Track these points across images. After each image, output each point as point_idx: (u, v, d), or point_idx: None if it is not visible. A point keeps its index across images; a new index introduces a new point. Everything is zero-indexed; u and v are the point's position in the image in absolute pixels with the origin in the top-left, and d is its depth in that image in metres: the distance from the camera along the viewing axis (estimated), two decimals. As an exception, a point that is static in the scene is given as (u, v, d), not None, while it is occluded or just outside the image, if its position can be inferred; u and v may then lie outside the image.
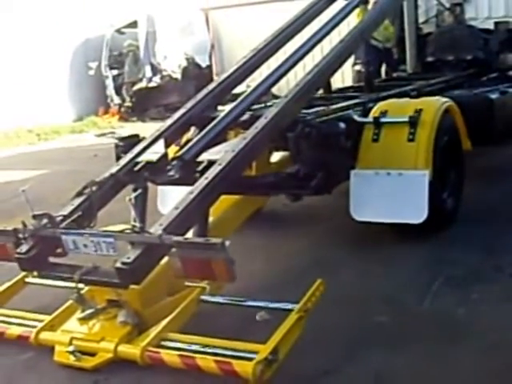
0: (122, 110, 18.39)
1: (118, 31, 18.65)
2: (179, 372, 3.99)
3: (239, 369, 3.76)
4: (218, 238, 3.92)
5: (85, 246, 4.29)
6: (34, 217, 4.53)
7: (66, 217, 4.66)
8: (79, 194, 4.90)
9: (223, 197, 5.49)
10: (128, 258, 4.03)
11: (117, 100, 18.53)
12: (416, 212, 5.73)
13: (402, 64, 9.52)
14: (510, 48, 9.11)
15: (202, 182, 4.59)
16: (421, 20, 9.63)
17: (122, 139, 5.75)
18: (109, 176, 5.08)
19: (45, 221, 4.51)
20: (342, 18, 7.49)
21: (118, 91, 18.58)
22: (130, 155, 5.28)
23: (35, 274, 4.95)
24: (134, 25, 18.29)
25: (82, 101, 18.95)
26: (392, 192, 5.88)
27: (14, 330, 4.65)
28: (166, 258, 4.15)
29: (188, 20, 18.70)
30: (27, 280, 5.18)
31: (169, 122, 5.76)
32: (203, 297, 4.58)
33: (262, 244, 6.35)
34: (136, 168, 5.16)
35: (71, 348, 4.24)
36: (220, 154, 4.94)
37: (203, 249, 3.90)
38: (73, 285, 4.36)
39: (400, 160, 5.98)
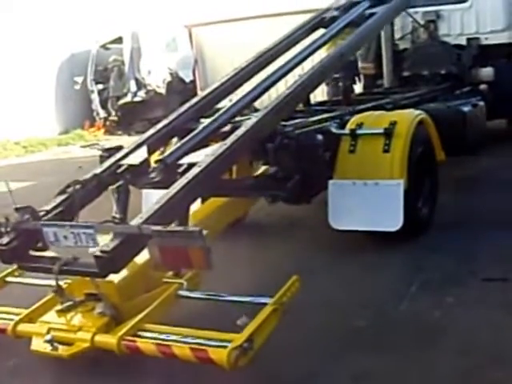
0: (108, 123, 18.48)
1: (104, 47, 18.72)
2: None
3: (214, 356, 3.79)
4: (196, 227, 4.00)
5: (65, 237, 4.32)
6: (17, 209, 4.62)
7: (48, 212, 4.78)
8: (62, 192, 5.01)
9: (206, 203, 5.68)
10: (107, 246, 4.10)
11: (102, 114, 18.60)
12: (392, 220, 5.90)
13: (379, 79, 9.69)
14: (481, 63, 9.33)
15: (182, 181, 4.71)
16: (397, 36, 9.84)
17: (106, 150, 5.77)
18: (92, 176, 5.18)
19: (27, 214, 4.60)
20: (323, 44, 7.69)
21: (103, 105, 18.63)
22: (113, 158, 5.39)
23: (16, 274, 5.10)
24: (118, 41, 18.37)
25: (68, 114, 18.99)
26: (369, 201, 6.04)
27: None
28: (144, 256, 4.24)
29: (172, 36, 18.83)
30: (7, 279, 5.20)
31: (152, 131, 5.89)
32: (180, 292, 4.61)
33: (243, 252, 6.42)
34: (119, 170, 5.25)
35: (48, 337, 4.24)
36: (201, 158, 5.07)
37: (181, 237, 3.96)
38: (53, 283, 4.43)
39: (376, 170, 6.14)
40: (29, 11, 17.61)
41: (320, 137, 6.18)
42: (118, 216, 4.64)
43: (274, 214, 7.01)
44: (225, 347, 3.80)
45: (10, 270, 5.22)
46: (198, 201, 5.82)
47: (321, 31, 8.10)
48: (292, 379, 4.13)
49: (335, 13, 8.44)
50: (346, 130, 6.40)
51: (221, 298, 4.59)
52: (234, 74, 6.96)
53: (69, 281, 4.62)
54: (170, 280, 4.70)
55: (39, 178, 12.66)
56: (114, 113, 18.40)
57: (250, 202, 6.75)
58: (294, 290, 4.32)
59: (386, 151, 6.18)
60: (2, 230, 4.61)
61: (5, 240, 4.55)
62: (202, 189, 4.99)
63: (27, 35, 17.57)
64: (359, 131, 6.33)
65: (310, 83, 6.59)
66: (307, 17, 15.84)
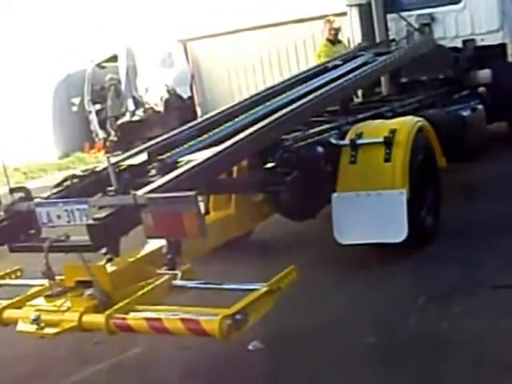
0: (108, 144, 18.43)
1: (99, 66, 18.65)
2: None
3: (207, 326, 3.74)
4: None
5: (58, 217, 4.31)
6: (11, 190, 4.66)
7: (43, 199, 4.77)
8: (58, 185, 5.02)
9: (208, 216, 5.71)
10: (100, 215, 4.10)
11: (101, 135, 18.51)
12: (396, 231, 5.87)
13: (377, 87, 9.66)
14: (478, 65, 9.31)
15: (179, 170, 4.78)
16: (391, 42, 9.78)
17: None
18: (90, 173, 5.22)
19: (21, 195, 4.63)
20: (323, 85, 7.53)
21: (102, 126, 18.57)
22: (113, 160, 5.31)
23: (13, 276, 5.06)
24: (114, 59, 18.31)
25: (66, 137, 18.93)
26: (372, 212, 6.02)
27: None
28: (140, 250, 4.26)
29: (167, 52, 18.78)
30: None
31: (154, 141, 5.94)
32: (175, 282, 4.52)
33: (248, 269, 6.26)
34: (118, 169, 5.20)
35: (34, 315, 4.13)
36: (199, 156, 5.13)
37: (176, 202, 4.01)
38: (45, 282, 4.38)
39: (378, 180, 6.12)
40: (21, 33, 17.58)
41: (320, 149, 6.20)
42: (114, 189, 4.56)
43: (278, 231, 6.97)
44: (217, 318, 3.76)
45: (3, 273, 5.16)
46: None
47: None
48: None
49: (338, 62, 8.58)
50: (346, 141, 6.39)
51: (216, 287, 4.55)
52: (236, 103, 7.06)
53: (62, 277, 4.50)
54: (164, 272, 4.62)
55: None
56: (113, 133, 18.35)
57: (253, 219, 6.70)
58: (292, 278, 4.33)
59: (387, 160, 6.17)
60: None
61: None
62: (198, 181, 4.90)
63: (21, 57, 17.54)
64: (359, 141, 6.31)
65: (312, 106, 6.61)
66: (301, 26, 15.99)
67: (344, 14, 10.92)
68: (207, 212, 6.21)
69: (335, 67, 8.29)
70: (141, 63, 18.09)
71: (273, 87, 7.74)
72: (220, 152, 5.13)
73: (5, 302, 4.56)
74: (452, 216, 6.94)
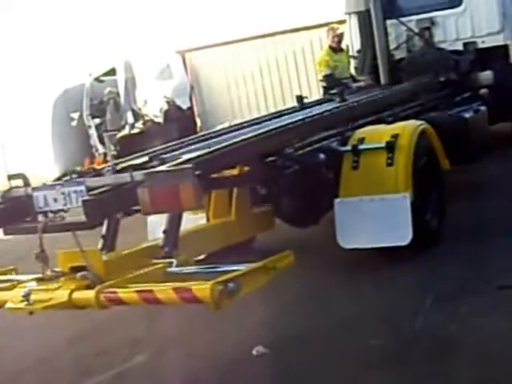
0: (108, 158, 18.31)
1: (97, 79, 18.59)
2: None
3: (198, 293, 3.74)
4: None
5: (55, 200, 4.32)
6: (9, 177, 4.69)
7: None
8: (58, 179, 4.97)
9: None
10: (96, 191, 4.10)
11: (101, 149, 18.42)
12: (401, 234, 5.86)
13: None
14: (479, 67, 9.27)
15: (179, 160, 4.78)
16: (392, 46, 9.72)
17: None
18: (91, 169, 5.26)
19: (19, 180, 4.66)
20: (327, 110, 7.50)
21: (101, 140, 18.52)
22: (115, 160, 5.33)
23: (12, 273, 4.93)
24: (112, 72, 18.30)
25: (66, 153, 18.80)
26: (376, 217, 6.00)
27: None
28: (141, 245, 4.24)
29: (166, 63, 18.77)
30: None
31: (155, 148, 5.99)
32: (170, 269, 4.48)
33: None
34: (118, 167, 5.17)
35: (23, 292, 4.09)
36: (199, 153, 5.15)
37: (173, 175, 4.06)
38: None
39: (381, 185, 6.10)
40: (18, 50, 17.60)
41: (322, 156, 6.18)
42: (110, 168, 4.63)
43: (282, 238, 6.92)
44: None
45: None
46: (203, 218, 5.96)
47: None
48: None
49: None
50: (348, 147, 6.37)
51: (212, 270, 4.41)
52: (236, 123, 7.31)
53: (57, 269, 4.43)
54: (159, 261, 4.58)
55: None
56: (113, 147, 18.23)
57: (254, 227, 6.65)
58: (288, 261, 4.34)
59: (389, 165, 6.16)
60: None
61: None
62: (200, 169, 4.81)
63: (19, 71, 17.57)
64: (361, 147, 6.30)
65: (317, 121, 6.71)
66: (299, 35, 15.98)
67: (342, 22, 10.89)
68: (207, 219, 6.18)
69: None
70: (139, 75, 18.07)
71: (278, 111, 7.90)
72: (216, 150, 5.16)
73: None
74: (457, 217, 6.91)
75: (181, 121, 16.67)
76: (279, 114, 7.59)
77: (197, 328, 5.06)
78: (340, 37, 11.09)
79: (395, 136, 6.23)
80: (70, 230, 4.23)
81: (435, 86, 8.90)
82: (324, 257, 6.69)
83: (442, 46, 9.44)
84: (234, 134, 6.40)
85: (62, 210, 4.38)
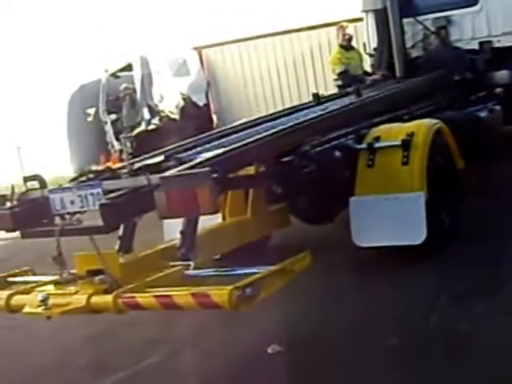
0: (124, 156, 18.31)
1: (113, 75, 18.62)
2: None
3: (216, 299, 3.75)
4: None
5: (71, 202, 4.32)
6: (25, 179, 4.68)
7: None
8: (74, 179, 5.04)
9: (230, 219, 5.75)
10: (113, 195, 4.10)
11: (117, 146, 18.44)
12: (415, 233, 5.87)
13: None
14: (495, 66, 9.24)
15: (196, 161, 4.80)
16: (408, 45, 9.73)
17: None
18: (107, 169, 5.27)
19: (34, 183, 4.65)
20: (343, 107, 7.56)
21: (117, 136, 18.55)
22: (130, 160, 5.35)
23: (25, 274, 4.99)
24: (128, 68, 18.32)
25: (82, 150, 18.79)
26: (391, 216, 6.02)
27: None
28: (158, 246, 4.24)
29: (182, 59, 18.79)
30: (10, 279, 5.04)
31: (169, 147, 6.02)
32: (187, 272, 4.52)
33: None
34: (134, 167, 5.18)
35: (41, 296, 4.09)
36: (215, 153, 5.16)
37: (190, 179, 4.06)
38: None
39: (396, 183, 6.13)
40: (35, 46, 17.67)
41: (338, 154, 6.20)
42: (127, 171, 4.65)
43: (297, 235, 6.94)
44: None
45: (13, 272, 5.12)
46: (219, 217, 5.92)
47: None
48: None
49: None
50: (364, 145, 6.38)
51: (229, 273, 4.47)
52: (250, 120, 7.21)
53: (73, 271, 4.47)
54: (177, 263, 4.63)
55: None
56: (129, 144, 18.26)
57: (270, 225, 6.68)
58: (306, 263, 4.37)
59: (404, 163, 6.17)
60: (8, 202, 4.63)
61: (7, 205, 4.58)
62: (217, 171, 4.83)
63: (34, 68, 17.65)
64: (376, 145, 6.31)
65: (333, 118, 6.70)
66: (317, 32, 15.97)
67: (358, 20, 10.91)
68: (223, 218, 6.20)
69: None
70: (156, 72, 18.11)
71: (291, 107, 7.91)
72: (233, 149, 5.18)
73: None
74: (472, 216, 6.91)
75: (197, 117, 16.68)
76: (295, 110, 7.61)
77: (212, 327, 5.07)
78: (350, 35, 11.12)
79: (411, 134, 6.24)
80: (87, 235, 4.26)
81: (450, 80, 8.89)
82: (338, 255, 6.69)
83: (458, 44, 9.43)
84: (249, 131, 6.42)
85: (79, 212, 4.39)
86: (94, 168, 5.20)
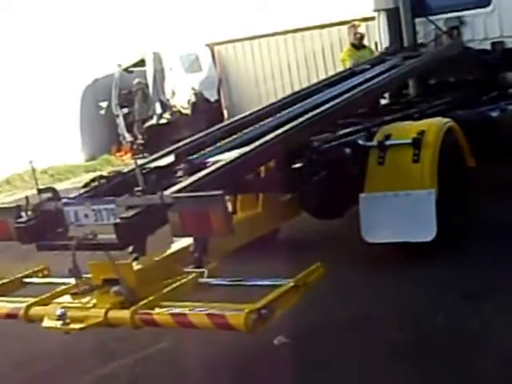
0: (135, 147, 18.57)
1: (126, 70, 18.78)
2: None
3: (232, 321, 3.77)
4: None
5: (86, 216, 4.35)
6: (39, 191, 4.68)
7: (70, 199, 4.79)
8: (86, 185, 5.07)
9: (236, 216, 5.76)
10: (127, 214, 4.13)
11: (129, 138, 18.62)
12: (425, 230, 5.88)
13: (405, 89, 9.63)
14: (507, 67, 9.24)
15: (207, 169, 4.82)
16: (420, 44, 9.74)
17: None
18: (117, 174, 5.28)
19: (48, 195, 4.66)
20: (351, 88, 7.57)
21: (129, 129, 18.72)
22: (140, 162, 5.42)
23: (40, 275, 5.08)
24: (141, 63, 18.44)
25: (94, 140, 19.07)
26: (401, 212, 6.04)
27: (3, 308, 4.61)
28: (167, 248, 4.27)
29: (195, 55, 18.90)
30: (25, 280, 5.17)
31: (181, 143, 5.99)
32: (201, 280, 4.56)
33: (277, 267, 6.12)
34: (144, 171, 5.24)
35: (59, 312, 4.14)
36: (226, 157, 5.18)
37: (203, 201, 4.05)
38: (72, 281, 4.41)
39: (406, 181, 6.14)
40: (51, 40, 17.75)
41: (348, 150, 6.24)
42: (140, 189, 4.58)
43: (306, 230, 6.97)
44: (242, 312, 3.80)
45: (29, 272, 5.21)
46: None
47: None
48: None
49: (366, 66, 8.61)
50: (374, 142, 6.40)
51: (243, 283, 4.57)
52: (262, 107, 7.11)
53: (88, 275, 4.53)
54: (191, 270, 4.67)
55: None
56: (140, 136, 18.49)
57: (280, 217, 6.71)
58: (318, 275, 4.37)
59: (415, 161, 6.18)
60: (23, 212, 4.63)
61: (23, 219, 4.58)
62: (226, 181, 4.93)
63: (48, 63, 17.72)
64: (387, 142, 6.33)
65: (340, 109, 6.66)
66: (328, 31, 16.01)
67: (370, 18, 10.93)
68: (234, 212, 6.24)
69: (363, 71, 8.30)
70: (168, 67, 18.21)
71: (300, 91, 7.80)
72: (248, 152, 5.17)
73: (31, 300, 4.59)
74: (483, 215, 6.93)
75: (208, 113, 16.78)
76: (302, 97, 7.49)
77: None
78: (361, 34, 11.14)
79: (421, 133, 6.26)
80: (102, 250, 4.30)
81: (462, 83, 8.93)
82: (347, 250, 6.71)
83: (470, 45, 9.44)
84: (260, 126, 6.41)
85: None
86: (106, 174, 5.19)
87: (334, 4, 16.40)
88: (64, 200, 4.63)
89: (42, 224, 4.59)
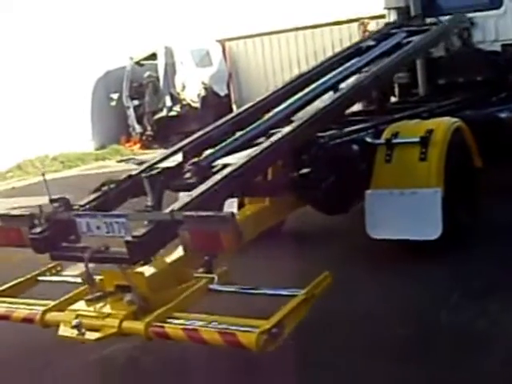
0: (144, 138, 18.73)
1: (138, 63, 18.94)
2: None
3: (243, 339, 3.83)
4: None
5: (98, 227, 4.41)
6: (52, 201, 4.73)
7: (81, 206, 4.88)
8: (96, 190, 5.11)
9: (242, 209, 5.83)
10: (138, 232, 4.16)
11: (138, 129, 18.81)
12: (430, 228, 5.88)
13: (414, 88, 9.64)
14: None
15: (215, 177, 4.81)
16: (429, 44, 9.75)
17: (142, 163, 5.84)
18: (127, 177, 5.30)
19: (61, 205, 4.71)
20: (357, 69, 7.68)
21: (139, 120, 18.88)
22: (148, 163, 5.48)
23: (53, 271, 5.19)
24: (153, 57, 18.58)
25: (104, 130, 19.23)
26: (406, 210, 6.03)
27: (20, 313, 4.73)
28: (176, 252, 4.33)
29: (206, 50, 19.01)
30: (39, 278, 5.31)
31: (188, 139, 5.98)
32: (211, 286, 4.67)
33: (281, 261, 6.40)
34: (153, 172, 5.30)
35: (75, 322, 4.24)
36: (234, 160, 5.18)
37: (212, 221, 4.07)
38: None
39: (413, 179, 6.15)
40: (63, 33, 17.87)
41: (355, 147, 6.26)
42: (150, 204, 4.70)
43: (311, 224, 6.99)
44: (254, 332, 3.85)
45: (44, 269, 5.31)
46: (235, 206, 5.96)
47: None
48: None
49: (371, 42, 8.50)
50: (382, 140, 6.41)
51: (251, 292, 4.65)
52: (269, 94, 7.04)
53: (100, 277, 4.63)
54: (201, 275, 4.75)
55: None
56: (149, 128, 18.64)
57: (287, 209, 6.72)
58: (326, 284, 4.40)
59: (422, 160, 6.19)
60: (36, 220, 4.69)
61: (38, 229, 4.63)
62: (235, 187, 5.04)
63: (61, 54, 17.85)
64: (395, 140, 6.33)
65: (346, 100, 6.63)
66: (338, 28, 16.02)
67: (380, 16, 10.95)
68: (242, 205, 6.27)
69: (368, 48, 8.25)
70: (179, 61, 18.32)
71: (307, 72, 7.71)
72: (255, 156, 5.16)
73: (49, 303, 4.72)
74: (490, 214, 6.94)
75: (217, 107, 16.87)
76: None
77: (227, 303, 5.13)
78: (370, 32, 11.16)
79: (430, 131, 6.26)
80: (115, 263, 4.42)
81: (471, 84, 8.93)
82: (351, 246, 6.75)
83: (481, 46, 9.44)
84: (267, 120, 6.45)
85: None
86: (116, 179, 5.22)
87: (345, 2, 16.40)
88: (76, 212, 4.68)
89: (55, 234, 4.65)
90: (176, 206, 4.40)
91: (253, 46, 18.48)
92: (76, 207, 4.83)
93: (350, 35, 15.08)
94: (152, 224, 4.23)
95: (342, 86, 7.24)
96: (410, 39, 8.34)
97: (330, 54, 16.11)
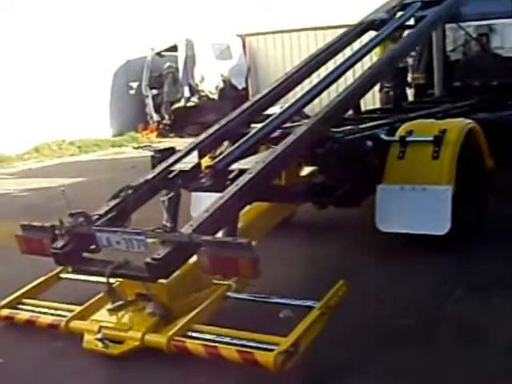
0: (161, 126, 18.89)
1: (158, 54, 19.10)
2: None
3: (261, 359, 3.94)
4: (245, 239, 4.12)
5: (117, 242, 4.50)
6: (71, 215, 4.78)
7: (101, 216, 4.91)
8: (115, 197, 5.15)
9: (254, 204, 5.77)
10: (158, 254, 4.24)
11: (156, 118, 18.97)
12: (439, 224, 5.93)
13: (430, 89, 9.72)
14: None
15: (232, 189, 4.81)
16: (449, 48, 9.82)
17: (158, 151, 5.90)
18: (144, 182, 5.31)
19: (81, 219, 4.76)
20: (374, 46, 7.80)
21: (157, 109, 19.03)
22: (164, 164, 5.50)
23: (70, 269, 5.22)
24: (173, 48, 18.72)
25: (122, 117, 19.40)
26: (416, 205, 6.10)
27: (45, 319, 4.88)
28: (194, 257, 4.35)
29: (226, 44, 19.15)
30: (62, 275, 5.42)
31: (203, 135, 5.98)
32: (229, 293, 4.76)
33: (291, 251, 6.50)
34: (170, 175, 5.38)
35: (100, 335, 4.41)
36: (251, 164, 5.17)
37: (231, 248, 4.10)
38: (104, 279, 4.57)
39: (424, 176, 6.22)
40: (88, 21, 18.06)
41: (369, 143, 6.31)
42: (168, 224, 4.78)
43: (320, 215, 7.03)
44: (271, 350, 3.95)
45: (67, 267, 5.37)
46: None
47: (370, 33, 8.21)
48: (336, 371, 4.20)
49: (385, 15, 8.39)
50: (396, 137, 6.47)
51: (268, 300, 4.72)
52: (284, 78, 7.02)
53: (121, 279, 4.75)
54: (219, 282, 4.81)
55: (91, 175, 12.91)
56: (167, 117, 18.80)
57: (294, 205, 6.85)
58: (341, 294, 4.46)
59: (434, 158, 6.25)
60: (57, 232, 4.77)
61: (59, 244, 4.71)
62: (252, 195, 5.11)
63: (87, 43, 18.05)
64: (409, 138, 6.40)
65: (360, 89, 6.70)
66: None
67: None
68: None
69: (383, 23, 8.20)
70: (199, 54, 18.46)
71: (321, 52, 7.70)
72: (271, 162, 5.16)
73: (71, 307, 4.89)
74: (498, 216, 6.99)
75: (235, 99, 16.94)
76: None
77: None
78: None
79: (443, 131, 6.32)
80: (135, 280, 4.52)
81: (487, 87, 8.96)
82: (360, 238, 6.83)
83: (498, 52, 9.49)
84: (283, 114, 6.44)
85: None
86: (133, 184, 5.28)
87: (368, 4, 16.43)
88: (96, 226, 4.73)
89: (76, 248, 4.73)
90: (194, 223, 4.45)
91: (272, 42, 18.58)
92: (95, 217, 4.86)
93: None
94: (170, 246, 4.29)
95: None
96: (423, 13, 8.23)
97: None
